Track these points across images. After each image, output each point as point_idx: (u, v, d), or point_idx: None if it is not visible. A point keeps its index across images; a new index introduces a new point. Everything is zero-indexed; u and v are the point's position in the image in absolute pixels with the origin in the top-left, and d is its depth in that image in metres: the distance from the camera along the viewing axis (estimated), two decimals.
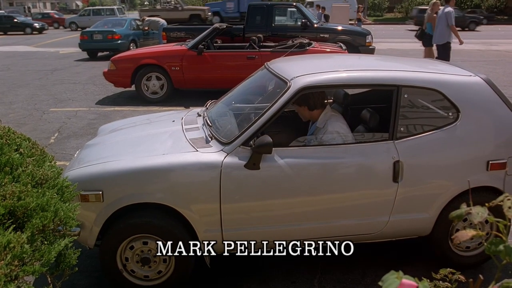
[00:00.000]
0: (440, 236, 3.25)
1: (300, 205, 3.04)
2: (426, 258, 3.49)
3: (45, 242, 1.61)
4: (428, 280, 1.38)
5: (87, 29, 17.68)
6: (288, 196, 3.01)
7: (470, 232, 0.91)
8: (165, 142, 3.35)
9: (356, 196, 3.09)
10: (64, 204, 1.70)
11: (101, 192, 2.90)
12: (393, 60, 4.53)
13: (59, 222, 1.64)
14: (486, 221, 3.02)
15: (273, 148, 2.89)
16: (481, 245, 3.36)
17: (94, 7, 34.12)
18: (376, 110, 3.49)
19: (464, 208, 0.93)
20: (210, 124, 3.35)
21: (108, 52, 16.31)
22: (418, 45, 19.70)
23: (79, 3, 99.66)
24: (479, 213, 0.90)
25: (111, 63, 9.11)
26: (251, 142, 2.94)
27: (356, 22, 20.43)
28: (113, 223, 2.98)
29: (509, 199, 0.87)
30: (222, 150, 2.99)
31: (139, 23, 18.22)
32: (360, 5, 22.97)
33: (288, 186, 2.98)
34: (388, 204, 3.10)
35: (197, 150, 3.04)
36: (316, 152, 3.07)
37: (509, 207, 0.86)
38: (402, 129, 3.08)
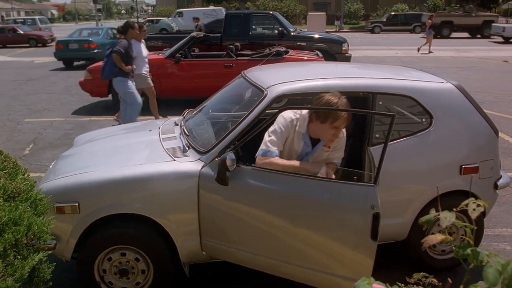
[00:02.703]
0: (416, 240, 3.29)
1: (268, 230, 2.81)
2: (403, 262, 3.52)
3: (18, 257, 1.59)
4: (403, 285, 1.40)
5: (63, 38, 17.48)
6: (254, 219, 2.82)
7: (439, 236, 0.94)
8: (142, 152, 3.34)
9: None
10: (38, 218, 1.67)
11: (77, 204, 2.86)
12: (369, 67, 4.61)
13: (32, 237, 1.61)
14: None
15: (244, 166, 2.82)
16: None
17: (17, 17, 33.31)
18: (352, 117, 3.52)
19: (433, 213, 0.95)
20: (187, 133, 3.34)
21: (84, 61, 16.14)
22: (394, 52, 20.09)
23: (55, 12, 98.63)
24: (447, 217, 0.92)
25: (87, 73, 9.03)
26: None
27: (427, 32, 20.55)
28: (90, 234, 2.94)
29: (474, 202, 0.90)
30: (199, 159, 2.98)
31: (115, 31, 18.10)
32: (432, 13, 23.18)
33: (253, 209, 2.83)
34: None
35: (174, 160, 3.03)
36: (288, 181, 2.76)
37: (474, 209, 0.89)
38: (377, 135, 3.13)
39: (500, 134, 3.59)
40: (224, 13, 35.20)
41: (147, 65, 7.52)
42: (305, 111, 2.95)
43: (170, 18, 33.87)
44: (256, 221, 2.82)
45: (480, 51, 20.57)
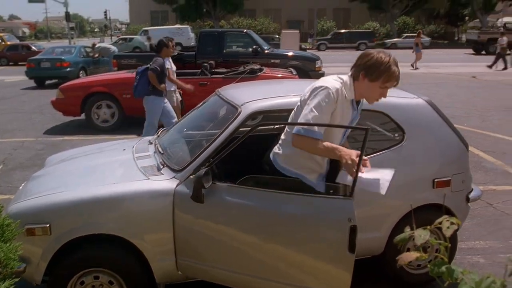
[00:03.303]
0: (393, 255, 3.30)
1: (244, 247, 2.79)
2: (380, 278, 3.54)
3: None
4: None
5: (35, 57, 17.23)
6: (230, 236, 2.80)
7: (413, 254, 0.94)
8: (115, 171, 3.28)
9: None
10: (4, 244, 1.61)
11: (48, 225, 2.79)
12: None
13: None
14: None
15: (220, 183, 2.80)
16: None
17: None
18: None
19: (407, 231, 0.95)
20: (162, 152, 3.31)
21: (56, 80, 15.91)
22: None
23: (26, 30, 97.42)
24: (422, 235, 0.93)
25: (59, 92, 8.90)
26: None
27: (415, 48, 21.33)
28: (61, 257, 2.86)
29: (448, 220, 0.91)
30: (174, 177, 2.95)
31: (89, 49, 17.94)
32: (420, 31, 23.77)
33: (230, 227, 2.80)
34: None
35: (148, 178, 2.99)
36: (263, 196, 2.72)
37: (448, 227, 0.90)
38: None
39: (470, 148, 3.67)
40: (190, 31, 35.92)
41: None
42: (346, 77, 2.71)
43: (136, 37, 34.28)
44: (232, 238, 2.78)
45: (450, 67, 21.11)
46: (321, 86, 2.61)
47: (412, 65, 20.65)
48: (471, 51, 31.65)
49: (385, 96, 2.71)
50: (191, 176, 2.85)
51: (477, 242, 4.21)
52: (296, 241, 2.64)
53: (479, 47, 30.72)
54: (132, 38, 31.50)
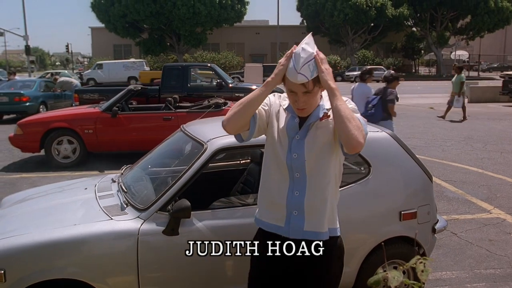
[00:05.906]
0: None
1: (223, 268, 2.96)
2: None
3: None
4: None
5: None
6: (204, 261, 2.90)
7: None
8: (76, 211, 3.16)
9: None
10: None
11: (3, 272, 2.64)
12: None
13: None
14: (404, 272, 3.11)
15: (192, 212, 2.82)
16: None
17: None
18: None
19: (381, 273, 0.93)
20: (125, 190, 3.22)
21: (15, 115, 15.48)
22: None
23: None
24: (395, 277, 0.91)
25: (18, 128, 8.63)
26: (169, 206, 2.85)
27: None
28: None
29: (421, 262, 0.89)
30: (138, 217, 2.87)
31: (50, 84, 17.58)
32: (456, 64, 24.73)
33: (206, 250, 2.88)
34: None
35: (111, 218, 2.90)
36: (236, 212, 3.02)
37: (422, 271, 0.88)
38: None
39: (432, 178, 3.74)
40: (145, 65, 36.08)
41: None
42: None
43: (89, 70, 34.39)
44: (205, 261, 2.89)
45: (408, 99, 21.80)
46: None
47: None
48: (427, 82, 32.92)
49: (299, 105, 2.31)
50: (157, 212, 2.85)
51: (444, 273, 4.24)
52: None
53: None
54: (59, 72, 30.56)
